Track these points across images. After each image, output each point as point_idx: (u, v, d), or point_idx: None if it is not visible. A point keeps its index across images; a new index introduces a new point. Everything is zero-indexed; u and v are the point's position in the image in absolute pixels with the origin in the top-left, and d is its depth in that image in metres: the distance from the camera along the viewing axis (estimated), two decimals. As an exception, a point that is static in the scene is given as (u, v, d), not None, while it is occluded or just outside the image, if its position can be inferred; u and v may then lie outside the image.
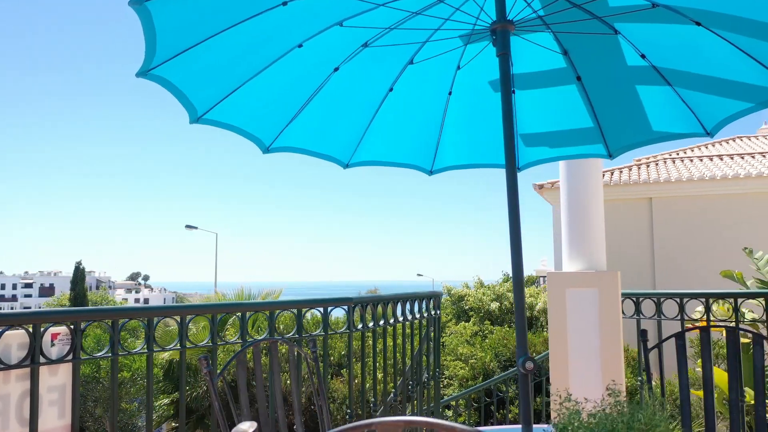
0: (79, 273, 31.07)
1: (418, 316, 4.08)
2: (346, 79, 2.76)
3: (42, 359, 2.14)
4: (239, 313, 2.96)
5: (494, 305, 10.83)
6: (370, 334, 3.61)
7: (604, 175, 14.67)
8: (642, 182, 13.56)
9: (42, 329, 2.14)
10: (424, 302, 4.16)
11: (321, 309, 3.21)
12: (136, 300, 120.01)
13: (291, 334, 3.10)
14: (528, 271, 19.51)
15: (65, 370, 2.26)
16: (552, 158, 3.29)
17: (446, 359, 9.73)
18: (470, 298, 11.09)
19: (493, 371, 9.64)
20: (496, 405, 7.27)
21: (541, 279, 14.77)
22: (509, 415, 7.83)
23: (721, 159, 15.15)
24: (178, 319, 2.63)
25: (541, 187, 14.44)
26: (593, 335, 3.67)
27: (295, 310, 3.11)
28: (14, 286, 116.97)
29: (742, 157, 14.89)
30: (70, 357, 2.24)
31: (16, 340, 2.10)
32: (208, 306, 2.85)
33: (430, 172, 3.33)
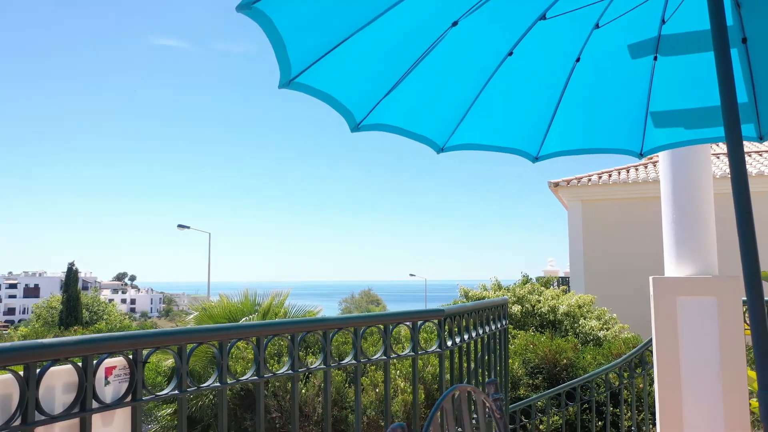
0: (72, 274, 29.95)
1: (494, 327, 3.53)
2: (461, 37, 2.20)
3: (94, 403, 1.55)
4: (304, 332, 2.37)
5: (516, 308, 10.31)
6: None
7: (611, 175, 14.29)
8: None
9: (95, 362, 1.56)
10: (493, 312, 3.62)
11: (409, 323, 2.64)
12: (123, 301, 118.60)
13: (378, 356, 2.52)
14: (536, 272, 19.04)
15: (122, 416, 1.67)
16: (686, 142, 2.75)
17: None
18: (490, 301, 10.52)
19: (520, 378, 9.11)
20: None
21: (558, 280, 14.26)
22: (541, 426, 7.31)
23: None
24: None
25: (556, 185, 13.96)
26: (712, 352, 3.13)
27: (381, 326, 2.54)
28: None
29: (761, 155, 14.51)
30: (129, 399, 1.66)
31: (61, 379, 1.51)
32: (288, 323, 2.27)
33: (536, 159, 2.77)
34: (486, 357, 3.54)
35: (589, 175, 14.21)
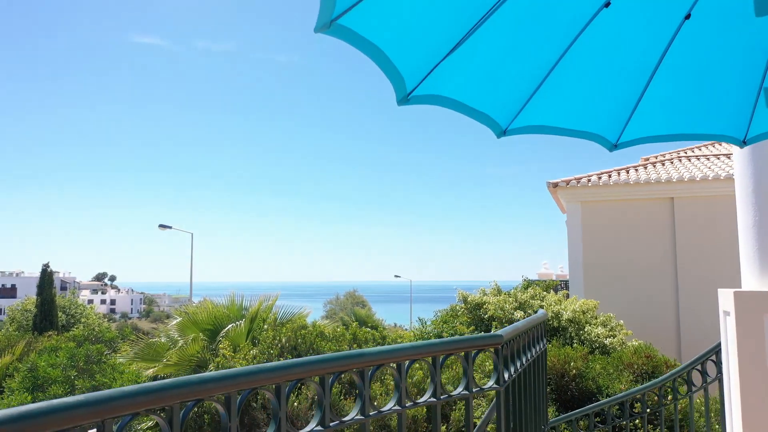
0: (46, 276, 28.57)
1: (537, 349, 2.98)
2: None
3: None
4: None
5: (518, 314, 9.79)
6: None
7: (611, 175, 13.87)
8: (665, 181, 12.71)
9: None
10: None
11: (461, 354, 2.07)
12: (102, 302, 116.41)
13: (426, 398, 1.95)
14: (526, 275, 18.61)
15: None
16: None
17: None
18: (490, 306, 10.03)
19: (528, 391, 8.47)
20: None
21: (560, 284, 13.80)
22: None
23: (729, 158, 14.42)
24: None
25: (555, 185, 13.47)
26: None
27: (429, 359, 1.96)
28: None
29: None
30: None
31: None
32: (312, 363, 1.69)
33: (614, 146, 2.23)
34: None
35: (589, 176, 13.76)
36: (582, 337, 9.76)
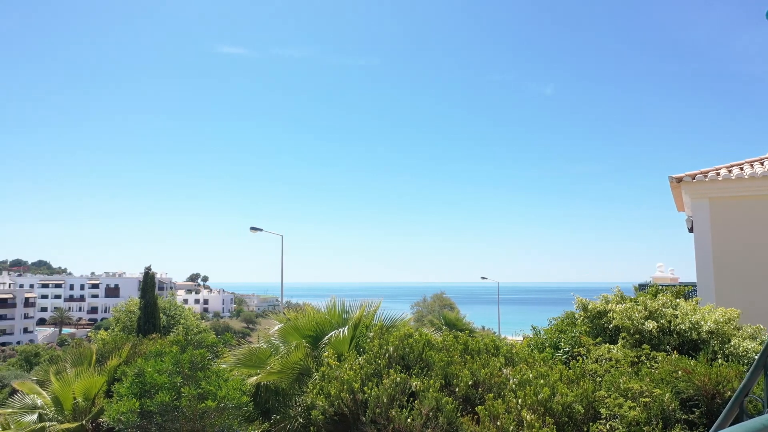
0: (149, 279, 29.67)
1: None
2: None
3: None
4: None
5: (650, 324, 8.71)
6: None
7: (743, 167, 12.33)
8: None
9: None
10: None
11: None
12: (196, 301, 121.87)
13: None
14: (642, 278, 17.16)
15: None
16: None
17: (601, 393, 7.71)
18: (616, 315, 9.01)
19: (673, 412, 7.54)
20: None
21: (694, 290, 12.45)
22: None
23: None
24: None
25: (679, 180, 12.11)
26: None
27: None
28: (82, 287, 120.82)
29: None
30: None
31: None
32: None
33: None
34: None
35: (717, 169, 12.33)
36: (726, 352, 8.54)
